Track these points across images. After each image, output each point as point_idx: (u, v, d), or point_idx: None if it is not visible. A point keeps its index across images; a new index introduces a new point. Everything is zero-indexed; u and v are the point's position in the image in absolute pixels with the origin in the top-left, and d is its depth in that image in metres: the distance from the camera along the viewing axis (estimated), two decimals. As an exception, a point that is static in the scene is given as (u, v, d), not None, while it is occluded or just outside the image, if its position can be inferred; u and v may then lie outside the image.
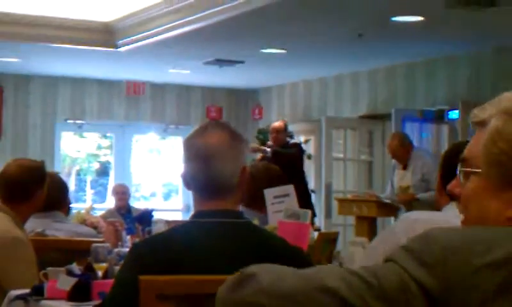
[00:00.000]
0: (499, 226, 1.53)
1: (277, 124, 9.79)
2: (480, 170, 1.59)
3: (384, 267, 1.46)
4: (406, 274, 1.43)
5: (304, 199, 9.04)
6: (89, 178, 15.60)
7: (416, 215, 2.98)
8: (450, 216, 2.77)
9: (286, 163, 9.10)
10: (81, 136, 15.11)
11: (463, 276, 1.41)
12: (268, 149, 9.68)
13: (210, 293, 2.58)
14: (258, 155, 9.68)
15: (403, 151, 9.03)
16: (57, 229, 5.04)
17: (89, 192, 15.41)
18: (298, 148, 9.94)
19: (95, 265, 3.74)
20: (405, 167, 9.05)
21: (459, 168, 1.64)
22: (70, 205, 5.43)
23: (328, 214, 11.00)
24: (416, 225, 2.82)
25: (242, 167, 2.78)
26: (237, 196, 2.80)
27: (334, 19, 8.65)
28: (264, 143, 11.78)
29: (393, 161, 9.45)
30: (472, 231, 1.49)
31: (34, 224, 4.63)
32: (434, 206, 3.01)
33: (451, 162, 2.81)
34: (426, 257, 1.43)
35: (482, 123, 1.61)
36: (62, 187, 5.21)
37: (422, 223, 2.80)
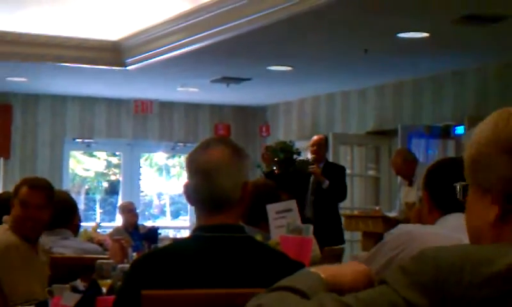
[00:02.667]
0: (493, 243, 1.55)
1: (317, 137, 9.79)
2: (467, 182, 1.65)
3: (377, 292, 1.48)
4: (399, 297, 1.44)
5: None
6: (98, 197, 15.64)
7: (410, 228, 2.99)
8: (445, 229, 2.79)
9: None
10: (90, 155, 15.16)
11: (458, 294, 1.42)
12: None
13: (211, 307, 2.61)
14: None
15: (407, 167, 9.02)
16: (65, 247, 5.09)
17: (98, 211, 15.44)
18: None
19: (100, 281, 3.76)
20: (410, 184, 9.04)
21: (458, 185, 1.72)
22: (80, 223, 5.49)
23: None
24: (409, 238, 2.83)
25: (244, 182, 2.80)
26: (238, 211, 2.82)
27: (340, 36, 8.68)
28: (272, 160, 11.80)
29: (399, 177, 9.45)
30: (466, 248, 1.51)
31: (41, 241, 4.67)
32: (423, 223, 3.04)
33: (437, 177, 2.87)
34: (420, 277, 1.45)
35: None
36: (71, 206, 5.30)
37: (417, 236, 2.82)
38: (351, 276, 1.69)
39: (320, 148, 9.56)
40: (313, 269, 1.68)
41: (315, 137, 9.78)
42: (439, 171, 2.98)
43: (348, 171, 12.06)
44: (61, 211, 5.01)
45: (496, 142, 1.57)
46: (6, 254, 4.35)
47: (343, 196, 9.60)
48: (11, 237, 4.42)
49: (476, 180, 1.62)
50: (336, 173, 9.48)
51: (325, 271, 1.67)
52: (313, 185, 9.49)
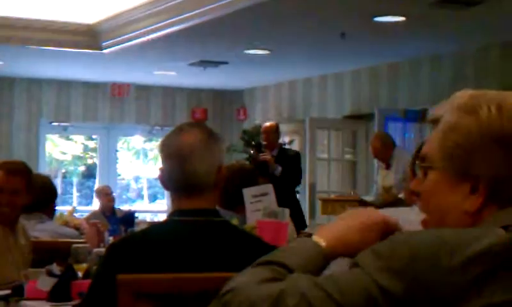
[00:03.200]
0: (466, 228, 1.55)
1: (268, 124, 9.74)
2: (436, 165, 1.62)
3: (350, 275, 1.47)
4: (372, 282, 1.44)
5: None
6: (75, 181, 15.60)
7: (385, 212, 3.00)
8: (411, 213, 2.80)
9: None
10: (67, 139, 15.10)
11: (433, 278, 1.42)
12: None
13: (187, 291, 2.62)
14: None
15: (385, 151, 9.05)
16: (41, 230, 5.07)
17: (75, 195, 15.40)
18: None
19: (75, 266, 3.75)
20: (388, 167, 9.07)
21: (418, 165, 1.68)
22: (55, 208, 5.47)
23: (312, 214, 11.02)
24: None
25: (219, 166, 2.81)
26: (213, 194, 2.82)
27: (317, 20, 8.68)
28: (248, 144, 11.82)
29: (377, 161, 9.48)
30: (441, 233, 1.50)
31: (22, 224, 4.64)
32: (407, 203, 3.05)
33: None
34: (394, 262, 1.45)
35: (436, 121, 1.65)
36: (51, 192, 5.29)
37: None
38: (359, 235, 1.64)
39: (270, 135, 9.49)
40: (315, 234, 1.64)
41: (266, 124, 9.73)
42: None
43: (325, 155, 12.14)
44: (41, 196, 5.00)
45: (490, 134, 1.56)
46: None
47: (297, 181, 9.49)
48: None
49: (452, 166, 1.60)
50: (290, 158, 9.38)
51: (328, 234, 1.64)
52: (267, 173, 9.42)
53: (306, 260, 1.59)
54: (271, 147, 9.44)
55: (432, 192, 1.63)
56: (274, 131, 9.51)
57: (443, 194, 1.61)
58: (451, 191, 1.60)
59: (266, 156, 9.27)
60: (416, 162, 1.68)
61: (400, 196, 8.75)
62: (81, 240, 4.80)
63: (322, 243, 1.62)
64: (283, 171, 9.13)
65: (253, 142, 11.38)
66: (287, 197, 9.32)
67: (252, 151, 10.17)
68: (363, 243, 1.61)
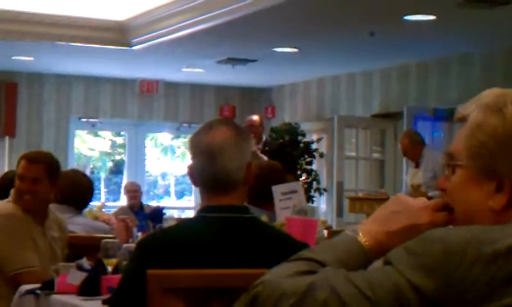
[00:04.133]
0: (492, 225, 1.55)
1: (253, 118, 10.04)
2: (462, 163, 1.63)
3: (382, 272, 1.48)
4: (403, 279, 1.45)
5: None
6: (103, 176, 15.68)
7: None
8: None
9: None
10: (95, 135, 15.18)
11: (463, 275, 1.43)
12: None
13: (216, 287, 2.63)
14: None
15: (414, 149, 9.03)
16: (74, 224, 5.13)
17: (103, 191, 15.48)
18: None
19: (105, 261, 3.78)
20: (417, 166, 9.05)
21: (445, 163, 1.68)
22: (88, 203, 5.57)
23: (340, 213, 11.00)
24: None
25: (248, 163, 2.81)
26: (242, 191, 2.83)
27: (346, 18, 8.66)
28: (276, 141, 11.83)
29: (406, 160, 9.45)
30: (472, 230, 1.51)
31: (55, 217, 4.69)
32: None
33: None
34: (426, 259, 1.46)
35: (464, 119, 1.66)
36: (90, 187, 5.47)
37: None
38: (406, 219, 1.65)
39: (256, 128, 9.82)
40: (361, 231, 1.64)
41: (251, 118, 10.10)
42: None
43: (353, 154, 12.12)
44: (73, 190, 5.20)
45: None
46: (0, 222, 4.35)
47: None
48: (9, 207, 4.44)
49: (478, 164, 1.60)
50: (273, 150, 9.70)
51: (372, 229, 1.64)
52: None
53: (343, 256, 1.59)
54: (257, 141, 9.64)
55: (458, 190, 1.64)
56: (259, 125, 9.78)
57: (469, 191, 1.62)
58: (477, 189, 1.60)
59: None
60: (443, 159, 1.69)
61: (431, 194, 8.73)
62: (110, 236, 4.83)
63: (363, 239, 1.63)
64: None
65: (281, 140, 11.40)
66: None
67: None
68: (412, 227, 1.62)
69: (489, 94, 1.64)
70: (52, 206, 4.75)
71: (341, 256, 1.59)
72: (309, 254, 1.58)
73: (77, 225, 5.18)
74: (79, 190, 5.37)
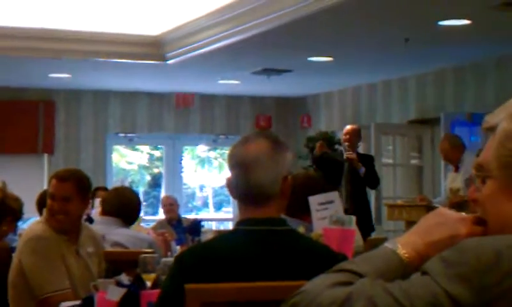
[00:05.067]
0: None
1: (350, 127, 9.88)
2: (492, 174, 1.61)
3: (418, 282, 1.48)
4: (440, 289, 1.44)
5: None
6: (141, 190, 15.76)
7: None
8: None
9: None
10: (133, 149, 15.27)
11: (497, 284, 1.42)
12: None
13: (255, 300, 2.63)
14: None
15: (454, 153, 8.98)
16: (118, 234, 5.24)
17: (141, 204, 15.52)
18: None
19: (144, 275, 3.79)
20: (456, 169, 9.00)
21: (474, 174, 1.66)
22: (137, 216, 5.68)
23: (378, 220, 10.95)
24: None
25: (284, 175, 2.81)
26: (279, 204, 2.83)
27: (380, 25, 8.63)
28: (312, 151, 11.79)
29: (444, 164, 9.39)
30: (504, 239, 1.49)
31: (89, 232, 4.73)
32: None
33: None
34: (462, 269, 1.45)
35: (492, 128, 1.63)
36: (139, 203, 5.63)
37: None
38: (446, 230, 1.63)
39: (353, 137, 9.61)
40: (400, 243, 1.63)
41: (348, 127, 9.82)
42: None
43: (390, 161, 12.06)
44: (127, 208, 5.37)
45: None
46: (32, 244, 4.36)
47: (376, 183, 9.70)
48: (40, 228, 4.43)
49: (509, 174, 1.58)
50: (366, 161, 9.56)
51: (411, 241, 1.63)
52: (348, 175, 9.51)
53: (382, 268, 1.58)
54: (352, 150, 9.56)
55: (490, 201, 1.62)
56: (356, 134, 9.64)
57: (500, 202, 1.59)
58: (508, 199, 1.58)
59: (352, 155, 9.42)
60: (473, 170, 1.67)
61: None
62: (148, 250, 4.84)
63: (402, 251, 1.62)
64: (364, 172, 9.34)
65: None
66: (364, 200, 9.43)
67: (329, 154, 10.21)
68: (451, 238, 1.61)
69: None
70: (100, 219, 4.81)
71: (380, 268, 1.58)
72: (348, 266, 1.58)
73: (120, 235, 5.23)
74: (129, 205, 5.45)
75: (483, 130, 1.67)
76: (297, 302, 1.51)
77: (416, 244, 1.63)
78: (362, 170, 9.44)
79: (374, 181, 9.63)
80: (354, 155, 9.48)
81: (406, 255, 1.61)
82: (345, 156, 9.56)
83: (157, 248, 5.28)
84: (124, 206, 5.41)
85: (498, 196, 1.60)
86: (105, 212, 5.41)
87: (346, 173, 9.55)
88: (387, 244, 1.66)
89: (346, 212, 9.22)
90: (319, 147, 9.93)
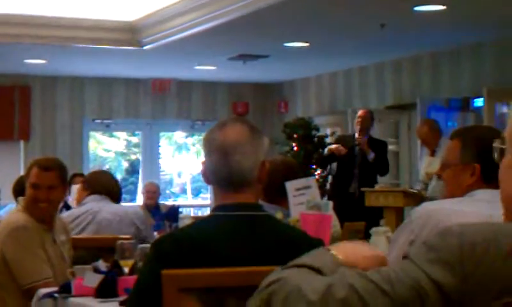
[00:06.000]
0: None
1: (362, 111, 9.93)
2: (508, 149, 1.62)
3: (400, 267, 1.48)
4: (422, 273, 1.44)
5: None
6: (119, 177, 15.71)
7: (435, 206, 2.97)
8: (472, 203, 2.76)
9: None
10: (111, 135, 15.22)
11: (482, 271, 1.42)
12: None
13: (232, 286, 2.63)
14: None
15: (432, 137, 9.05)
16: (109, 212, 5.45)
17: (119, 191, 15.47)
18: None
19: (121, 262, 3.79)
20: (433, 154, 9.07)
21: (495, 146, 1.68)
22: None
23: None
24: (434, 216, 2.82)
25: (261, 161, 2.81)
26: (256, 189, 2.83)
27: (357, 10, 8.65)
28: (289, 137, 11.81)
29: (420, 148, 9.44)
30: (492, 227, 1.49)
31: (60, 220, 4.75)
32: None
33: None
34: (445, 254, 1.45)
35: None
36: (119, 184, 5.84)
37: (441, 214, 2.81)
38: (363, 261, 1.62)
39: (365, 121, 9.68)
40: (332, 249, 1.65)
41: (360, 111, 9.90)
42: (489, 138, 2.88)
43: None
44: (115, 188, 5.61)
45: None
46: (14, 234, 4.38)
47: (386, 170, 9.77)
48: (21, 217, 4.45)
49: None
50: (378, 147, 9.64)
51: (343, 251, 1.63)
52: (359, 158, 9.61)
53: (330, 267, 1.58)
54: (363, 134, 9.62)
55: (506, 173, 1.63)
56: (369, 118, 9.68)
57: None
58: None
59: (361, 140, 9.50)
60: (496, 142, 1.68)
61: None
62: (125, 236, 4.83)
63: (340, 256, 1.62)
64: (374, 158, 9.39)
65: (295, 136, 11.39)
66: (372, 186, 9.50)
67: (338, 137, 10.25)
68: (366, 267, 1.60)
69: None
70: (92, 197, 5.22)
71: (329, 267, 1.58)
72: (306, 262, 1.57)
73: (113, 214, 5.46)
74: (115, 186, 5.65)
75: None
76: (276, 290, 1.51)
77: (345, 251, 1.63)
78: (372, 155, 9.55)
79: (383, 168, 9.72)
80: (363, 140, 9.58)
81: (340, 257, 1.61)
82: (356, 140, 9.67)
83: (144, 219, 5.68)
84: (111, 186, 5.57)
85: (510, 169, 1.62)
86: (95, 191, 5.49)
87: (357, 156, 9.65)
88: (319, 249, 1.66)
89: (353, 196, 9.39)
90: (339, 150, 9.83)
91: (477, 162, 2.87)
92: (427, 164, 9.11)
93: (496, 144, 1.67)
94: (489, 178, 2.80)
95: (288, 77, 13.68)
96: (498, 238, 1.44)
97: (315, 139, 11.68)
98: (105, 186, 5.54)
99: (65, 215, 5.40)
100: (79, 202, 5.59)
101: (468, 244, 1.44)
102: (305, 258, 1.60)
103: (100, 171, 5.90)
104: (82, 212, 5.42)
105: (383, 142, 10.00)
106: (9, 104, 12.94)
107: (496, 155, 1.66)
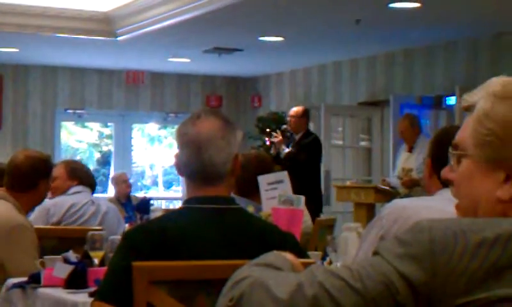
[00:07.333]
0: (488, 217, 1.54)
1: (294, 109, 9.82)
2: (469, 153, 1.60)
3: (369, 263, 1.47)
4: (391, 268, 1.44)
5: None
6: (90, 168, 15.61)
7: (405, 202, 2.98)
8: (441, 201, 2.78)
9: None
10: (83, 126, 15.14)
11: (450, 266, 1.42)
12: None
13: (202, 279, 2.63)
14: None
15: (412, 133, 9.13)
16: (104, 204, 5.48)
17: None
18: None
19: (92, 253, 3.77)
20: (410, 150, 9.13)
21: (450, 153, 1.66)
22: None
23: (327, 201, 11.01)
24: (404, 212, 2.83)
25: (235, 154, 2.81)
26: (229, 183, 2.82)
27: (332, 6, 8.66)
28: (263, 131, 11.82)
29: (398, 145, 9.50)
30: (460, 222, 1.49)
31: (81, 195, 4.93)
32: (425, 191, 3.02)
33: (442, 146, 2.80)
34: (415, 248, 1.44)
35: (470, 108, 1.63)
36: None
37: (411, 210, 2.82)
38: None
39: (294, 119, 9.57)
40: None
41: (292, 109, 9.76)
42: (441, 139, 2.91)
43: (340, 142, 12.12)
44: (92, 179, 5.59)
45: None
46: (15, 233, 4.25)
47: (296, 163, 9.39)
48: (16, 214, 4.33)
49: (486, 153, 1.58)
50: (307, 144, 9.44)
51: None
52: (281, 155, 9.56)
53: (287, 267, 1.58)
54: (295, 131, 9.55)
55: (465, 180, 1.62)
56: (300, 116, 9.58)
57: (475, 181, 1.60)
58: (484, 179, 1.58)
59: (275, 138, 9.48)
60: (449, 149, 1.67)
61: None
62: (96, 228, 4.81)
63: (289, 257, 1.61)
64: (305, 157, 9.24)
65: (268, 130, 11.38)
66: (307, 182, 9.38)
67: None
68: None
69: (498, 82, 1.62)
70: (80, 188, 5.25)
71: (288, 267, 1.57)
72: (269, 261, 1.57)
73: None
74: (92, 176, 5.66)
75: (462, 110, 1.67)
76: (245, 291, 1.50)
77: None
78: (284, 152, 9.44)
79: (306, 165, 9.34)
80: (277, 138, 9.58)
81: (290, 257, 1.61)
82: (271, 138, 9.71)
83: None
84: (89, 177, 5.54)
85: (473, 175, 1.60)
86: (81, 181, 5.40)
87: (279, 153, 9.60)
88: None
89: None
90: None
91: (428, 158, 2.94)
92: (403, 160, 9.17)
93: (451, 152, 1.66)
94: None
95: (262, 71, 13.69)
96: (467, 234, 1.44)
97: (288, 134, 11.65)
98: (90, 177, 5.53)
99: (55, 201, 5.29)
100: (62, 191, 5.43)
101: (438, 238, 1.44)
102: (264, 259, 1.58)
103: (79, 161, 5.87)
104: (83, 202, 5.29)
105: (311, 139, 9.62)
106: (-19, 93, 12.84)
107: (451, 162, 1.66)
